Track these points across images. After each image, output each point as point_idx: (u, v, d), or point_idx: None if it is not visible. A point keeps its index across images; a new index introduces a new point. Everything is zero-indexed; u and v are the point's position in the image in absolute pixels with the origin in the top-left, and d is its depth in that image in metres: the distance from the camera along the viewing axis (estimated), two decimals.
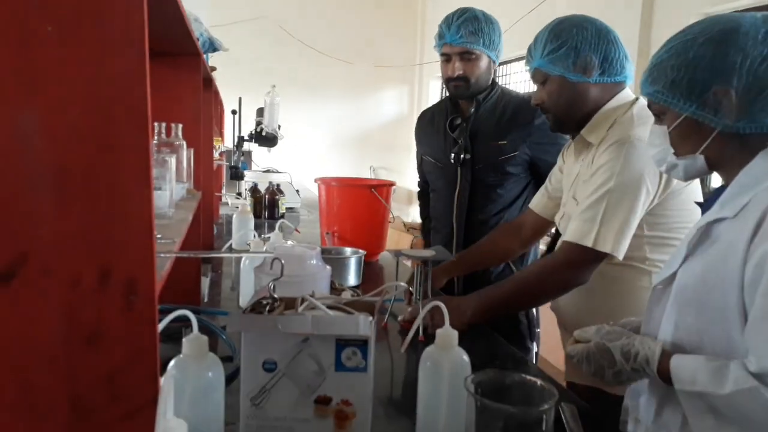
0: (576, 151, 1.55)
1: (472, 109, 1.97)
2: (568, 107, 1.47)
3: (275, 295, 0.99)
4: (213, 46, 1.69)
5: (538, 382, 0.86)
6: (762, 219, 0.88)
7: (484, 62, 1.92)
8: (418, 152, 2.26)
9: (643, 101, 1.44)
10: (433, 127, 2.13)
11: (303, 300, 0.96)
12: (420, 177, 2.33)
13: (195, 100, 1.50)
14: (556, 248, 1.51)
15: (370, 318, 0.91)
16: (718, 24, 0.96)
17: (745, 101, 0.93)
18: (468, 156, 1.95)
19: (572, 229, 1.41)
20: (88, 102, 0.51)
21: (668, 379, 0.96)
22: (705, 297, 0.97)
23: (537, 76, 1.48)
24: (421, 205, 2.38)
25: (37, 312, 0.52)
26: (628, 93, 1.50)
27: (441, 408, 0.96)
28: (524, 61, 1.55)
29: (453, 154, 1.98)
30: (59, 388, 0.54)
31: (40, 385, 0.53)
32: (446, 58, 1.95)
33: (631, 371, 1.01)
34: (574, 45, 1.41)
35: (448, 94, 2.10)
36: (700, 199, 1.32)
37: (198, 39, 1.42)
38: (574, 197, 1.50)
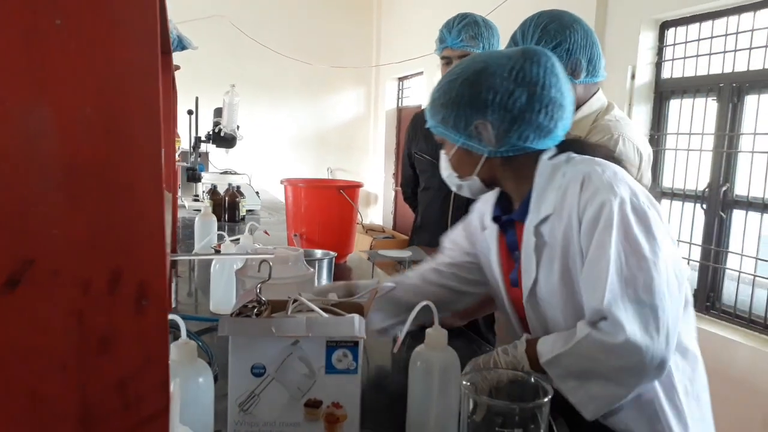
0: None
1: None
2: None
3: (263, 298, 0.98)
4: (182, 44, 1.65)
5: (532, 378, 0.87)
6: (578, 201, 1.03)
7: None
8: (408, 151, 2.27)
9: (616, 106, 1.55)
10: None
11: (294, 301, 0.95)
12: (405, 177, 2.34)
13: (165, 100, 1.46)
14: None
15: (364, 319, 0.90)
16: (471, 65, 1.10)
17: (502, 131, 1.08)
18: None
19: None
20: (99, 98, 0.49)
21: (539, 366, 1.03)
22: (568, 296, 1.07)
23: None
24: (412, 207, 2.40)
25: (45, 318, 0.50)
26: (601, 94, 1.58)
27: (432, 407, 0.96)
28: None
29: None
30: (68, 397, 0.51)
31: (49, 395, 0.51)
32: (447, 62, 1.99)
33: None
34: (567, 47, 1.46)
35: None
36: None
37: (169, 36, 1.38)
38: None
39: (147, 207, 0.52)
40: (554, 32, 1.47)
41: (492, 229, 1.23)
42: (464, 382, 0.85)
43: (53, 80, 0.48)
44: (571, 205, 1.04)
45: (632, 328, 0.94)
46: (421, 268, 1.37)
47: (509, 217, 1.19)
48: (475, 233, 1.30)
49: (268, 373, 0.93)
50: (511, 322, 1.25)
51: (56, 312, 0.50)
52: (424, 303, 0.94)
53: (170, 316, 0.86)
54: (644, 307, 0.95)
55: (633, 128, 1.54)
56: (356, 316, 0.90)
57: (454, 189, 1.23)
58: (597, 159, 1.09)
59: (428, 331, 0.97)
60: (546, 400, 0.80)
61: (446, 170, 1.21)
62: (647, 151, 1.52)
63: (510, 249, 1.19)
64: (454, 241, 1.35)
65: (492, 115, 1.07)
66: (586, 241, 1.02)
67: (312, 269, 1.20)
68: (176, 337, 0.90)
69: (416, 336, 0.97)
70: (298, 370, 0.93)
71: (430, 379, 0.95)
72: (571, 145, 1.14)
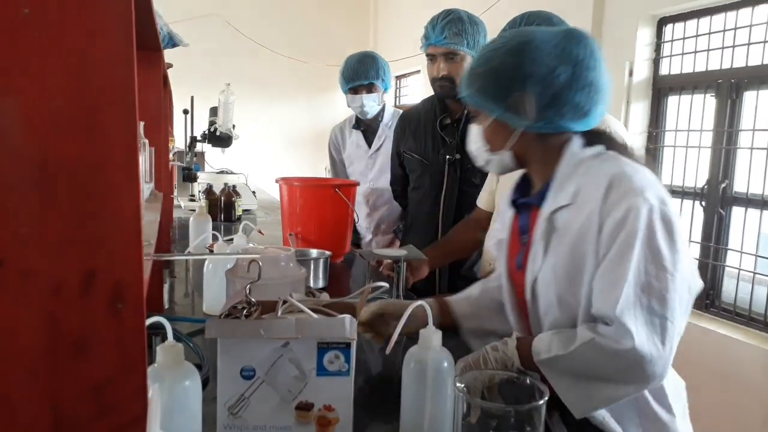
0: None
1: (465, 111, 2.00)
2: None
3: (252, 299, 0.95)
4: (172, 41, 1.62)
5: (528, 379, 0.85)
6: (603, 199, 1.01)
7: (468, 63, 1.95)
8: (396, 150, 2.25)
9: None
10: (419, 124, 2.13)
11: (284, 302, 0.92)
12: (395, 176, 2.33)
13: (156, 97, 1.44)
14: None
15: (355, 320, 0.88)
16: (517, 36, 1.08)
17: (540, 106, 1.06)
18: (458, 156, 1.97)
19: None
20: (72, 91, 0.47)
21: (531, 364, 1.04)
22: (565, 288, 1.06)
23: None
24: (403, 206, 2.40)
25: (15, 320, 0.48)
26: None
27: (426, 409, 0.94)
28: None
29: (441, 154, 1.99)
30: (41, 403, 0.49)
31: (19, 401, 0.49)
32: (431, 59, 1.97)
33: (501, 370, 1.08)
34: None
35: (434, 94, 2.10)
36: None
37: (159, 33, 1.36)
38: None
39: (123, 205, 0.49)
40: None
41: (509, 212, 1.23)
42: (458, 384, 0.82)
43: (21, 73, 0.46)
44: (593, 202, 1.02)
45: (640, 336, 0.94)
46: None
47: (526, 201, 1.19)
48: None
49: (257, 376, 0.91)
50: (507, 309, 1.24)
51: (27, 314, 0.48)
52: (417, 303, 0.92)
53: (156, 318, 0.84)
54: (654, 317, 0.95)
55: (614, 120, 1.58)
56: (348, 317, 0.88)
57: (481, 164, 1.20)
58: (626, 160, 1.07)
59: (422, 331, 0.95)
60: (542, 402, 0.78)
61: (475, 143, 1.19)
62: (629, 143, 1.54)
63: (521, 232, 1.19)
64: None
65: (533, 88, 1.05)
66: (606, 243, 1.00)
67: (303, 269, 1.17)
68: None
69: (410, 336, 0.95)
70: (288, 372, 0.91)
71: (423, 380, 0.93)
72: (599, 137, 1.12)
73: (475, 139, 1.19)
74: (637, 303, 0.96)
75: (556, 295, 1.08)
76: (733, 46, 3.12)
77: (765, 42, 2.95)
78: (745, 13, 3.07)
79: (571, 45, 1.06)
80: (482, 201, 1.87)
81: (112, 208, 0.49)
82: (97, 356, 0.50)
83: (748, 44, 3.04)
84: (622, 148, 1.11)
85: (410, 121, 2.20)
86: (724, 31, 3.17)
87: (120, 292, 0.50)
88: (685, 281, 0.98)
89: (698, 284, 1.03)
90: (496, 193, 1.78)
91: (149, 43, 1.31)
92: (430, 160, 2.06)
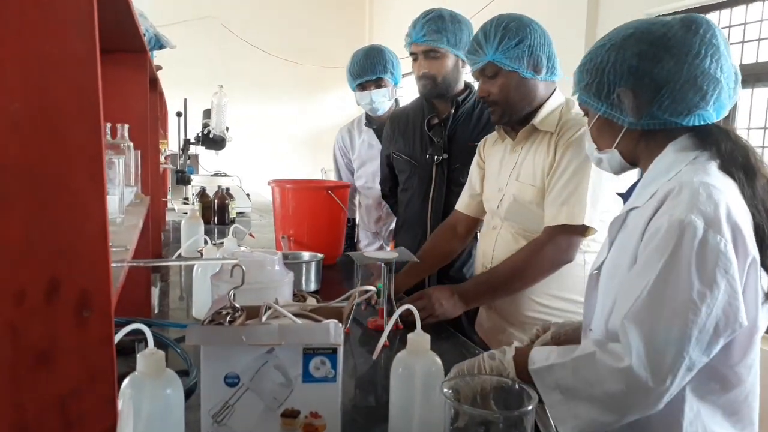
0: (518, 141, 1.63)
1: (452, 110, 1.98)
2: (519, 101, 1.56)
3: (236, 305, 0.94)
4: (159, 43, 1.60)
5: (517, 384, 0.83)
6: (658, 207, 0.95)
7: (449, 61, 1.94)
8: (386, 150, 2.23)
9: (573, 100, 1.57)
10: (408, 125, 2.11)
11: (267, 308, 0.90)
12: (384, 176, 2.30)
13: (141, 99, 1.42)
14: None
15: (341, 325, 0.86)
16: (621, 31, 1.04)
17: (644, 101, 1.00)
18: (445, 156, 1.95)
19: (547, 214, 1.51)
20: (32, 93, 0.45)
21: (528, 376, 0.99)
22: (614, 282, 1.02)
23: (488, 69, 1.54)
24: (389, 204, 2.38)
25: None
26: (559, 92, 1.64)
27: (414, 415, 0.92)
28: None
29: (429, 154, 1.98)
30: (3, 416, 0.47)
31: None
32: (414, 58, 1.97)
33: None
34: (529, 44, 1.50)
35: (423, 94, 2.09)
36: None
37: (144, 35, 1.34)
38: (518, 179, 1.60)
39: (87, 210, 0.48)
40: (516, 29, 1.51)
41: (618, 202, 1.21)
42: (445, 390, 0.81)
43: None
44: (653, 208, 0.96)
45: (639, 358, 0.88)
46: None
47: (621, 194, 1.15)
48: None
49: (242, 383, 0.89)
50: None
51: None
52: (405, 307, 0.90)
53: (136, 325, 0.82)
54: (663, 344, 0.88)
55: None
56: (332, 322, 0.86)
57: (594, 163, 1.18)
58: (714, 170, 0.97)
59: (410, 336, 0.93)
60: (531, 407, 0.77)
61: (588, 142, 1.15)
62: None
63: None
64: None
65: (635, 83, 0.99)
66: (641, 251, 0.95)
67: (291, 272, 1.16)
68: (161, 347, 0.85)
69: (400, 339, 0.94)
70: (273, 379, 0.89)
71: (412, 385, 0.92)
72: (713, 138, 1.01)
73: (589, 137, 1.14)
74: (644, 322, 0.89)
75: (603, 290, 1.04)
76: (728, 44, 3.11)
77: (759, 40, 2.94)
78: (739, 11, 3.06)
79: (682, 33, 0.98)
80: (462, 204, 1.83)
81: (75, 214, 0.47)
82: (63, 367, 0.48)
83: (743, 42, 3.03)
84: (734, 155, 0.99)
85: (399, 121, 2.18)
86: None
87: (86, 300, 0.48)
88: (715, 315, 0.87)
89: (737, 325, 0.89)
90: (483, 198, 1.74)
91: (132, 45, 1.29)
92: (418, 160, 2.05)
